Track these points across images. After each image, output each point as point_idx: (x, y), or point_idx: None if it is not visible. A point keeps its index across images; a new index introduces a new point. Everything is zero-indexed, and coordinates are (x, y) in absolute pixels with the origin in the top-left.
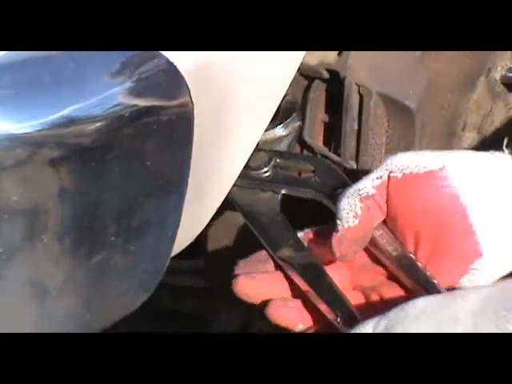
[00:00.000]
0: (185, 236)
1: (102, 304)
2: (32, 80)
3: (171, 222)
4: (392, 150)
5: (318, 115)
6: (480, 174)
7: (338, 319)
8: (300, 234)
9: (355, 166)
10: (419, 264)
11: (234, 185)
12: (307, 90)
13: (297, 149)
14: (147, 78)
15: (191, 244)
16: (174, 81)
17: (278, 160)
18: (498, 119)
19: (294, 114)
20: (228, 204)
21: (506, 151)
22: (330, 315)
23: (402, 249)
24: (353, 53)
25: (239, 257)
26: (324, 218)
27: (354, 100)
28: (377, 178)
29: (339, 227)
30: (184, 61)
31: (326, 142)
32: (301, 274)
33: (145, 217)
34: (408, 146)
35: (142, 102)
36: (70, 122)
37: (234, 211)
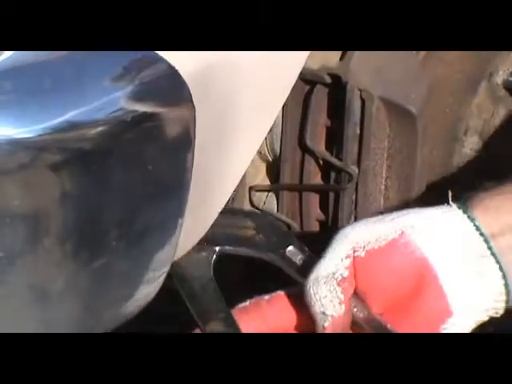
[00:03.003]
0: (187, 241)
1: (103, 309)
2: (33, 85)
3: (173, 227)
4: (394, 154)
5: (319, 120)
6: (439, 234)
7: None
8: (266, 297)
9: (357, 171)
10: (388, 325)
11: None
12: (309, 94)
13: (299, 153)
14: (149, 82)
15: None
16: (175, 85)
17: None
18: (499, 123)
19: None
20: None
21: (454, 204)
22: None
23: (368, 311)
24: (355, 57)
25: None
26: (271, 275)
27: (356, 104)
28: (346, 258)
29: (328, 317)
30: (186, 65)
31: (328, 147)
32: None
33: (146, 222)
34: (410, 151)
35: (144, 107)
36: (72, 126)
37: None
